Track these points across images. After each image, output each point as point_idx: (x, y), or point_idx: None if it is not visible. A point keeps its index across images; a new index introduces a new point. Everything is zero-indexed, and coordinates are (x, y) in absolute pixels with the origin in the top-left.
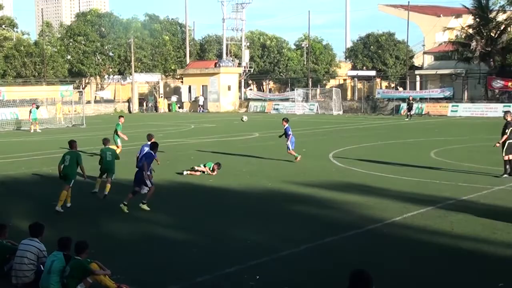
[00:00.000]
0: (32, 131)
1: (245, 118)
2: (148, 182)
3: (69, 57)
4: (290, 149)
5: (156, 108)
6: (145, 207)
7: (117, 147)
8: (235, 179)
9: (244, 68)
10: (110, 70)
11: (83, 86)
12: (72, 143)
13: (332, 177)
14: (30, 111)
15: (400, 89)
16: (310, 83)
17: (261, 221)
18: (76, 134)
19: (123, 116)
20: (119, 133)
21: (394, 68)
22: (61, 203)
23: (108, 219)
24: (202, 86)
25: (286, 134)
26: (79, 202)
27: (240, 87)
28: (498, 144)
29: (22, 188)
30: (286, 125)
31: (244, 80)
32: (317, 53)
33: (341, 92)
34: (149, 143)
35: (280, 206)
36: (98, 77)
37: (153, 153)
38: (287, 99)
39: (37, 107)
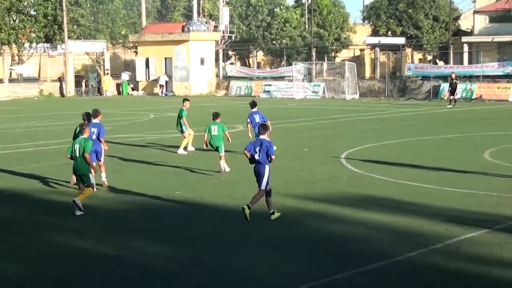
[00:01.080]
0: None
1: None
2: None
3: None
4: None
5: (99, 90)
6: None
7: (184, 137)
8: (212, 190)
9: (223, 33)
10: (33, 35)
11: None
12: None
13: (344, 187)
14: None
15: (440, 63)
16: (313, 54)
17: (252, 251)
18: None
19: (188, 100)
20: (184, 120)
21: (431, 33)
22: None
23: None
24: (165, 59)
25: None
26: None
27: (217, 60)
28: None
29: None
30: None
31: (223, 50)
32: (324, 12)
33: (356, 67)
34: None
35: (273, 230)
36: (14, 45)
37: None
38: (281, 78)
39: None
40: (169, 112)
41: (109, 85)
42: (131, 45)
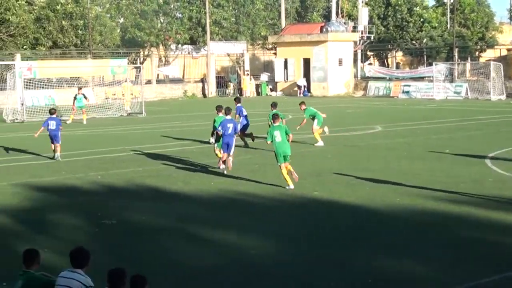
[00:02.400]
0: (69, 121)
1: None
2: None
3: (121, 20)
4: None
5: (240, 91)
6: None
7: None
8: (350, 190)
9: (361, 33)
10: (178, 37)
11: (141, 60)
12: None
13: (490, 189)
14: (75, 97)
15: None
16: (455, 54)
17: (393, 254)
18: (131, 126)
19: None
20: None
21: None
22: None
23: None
24: (303, 60)
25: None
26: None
27: (355, 61)
28: None
29: (62, 200)
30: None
31: (362, 51)
32: (467, 11)
33: (503, 67)
34: (228, 117)
35: (413, 233)
36: (161, 47)
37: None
38: (421, 78)
39: (84, 96)
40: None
41: (248, 85)
42: (270, 46)
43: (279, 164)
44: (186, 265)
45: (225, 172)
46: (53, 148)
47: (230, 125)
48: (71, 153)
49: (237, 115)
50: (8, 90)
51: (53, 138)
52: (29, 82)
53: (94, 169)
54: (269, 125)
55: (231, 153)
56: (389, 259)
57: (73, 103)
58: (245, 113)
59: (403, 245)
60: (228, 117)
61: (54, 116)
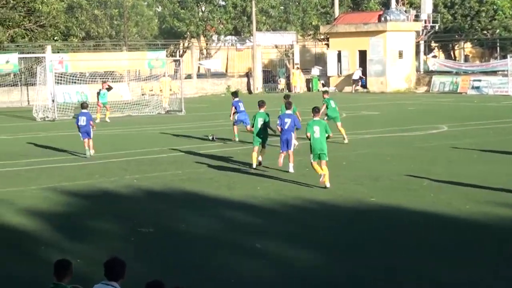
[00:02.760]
0: (98, 120)
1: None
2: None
3: (159, 8)
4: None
5: (288, 86)
6: None
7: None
8: (411, 196)
9: (425, 23)
10: (221, 27)
11: (181, 52)
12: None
13: None
14: (98, 93)
15: None
16: None
17: (474, 265)
18: (170, 125)
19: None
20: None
21: None
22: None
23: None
24: (359, 52)
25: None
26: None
27: (417, 53)
28: None
29: (95, 205)
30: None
31: (425, 42)
32: None
33: None
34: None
35: (488, 242)
36: (202, 38)
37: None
38: (494, 72)
39: (109, 89)
40: (362, 111)
41: (298, 80)
42: (322, 37)
43: (312, 161)
44: (228, 277)
45: (290, 171)
46: (86, 145)
47: (289, 120)
48: (106, 154)
49: (232, 107)
50: (38, 85)
51: (84, 134)
52: (61, 77)
53: (130, 172)
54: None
55: (292, 149)
56: (457, 273)
57: (97, 99)
58: (242, 108)
59: (473, 257)
60: (288, 111)
61: (85, 111)
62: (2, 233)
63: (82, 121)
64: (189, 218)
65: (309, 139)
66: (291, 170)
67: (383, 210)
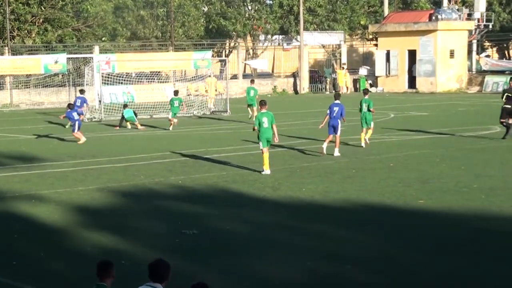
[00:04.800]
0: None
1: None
2: None
3: (205, 8)
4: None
5: (335, 87)
6: None
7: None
8: (462, 199)
9: (478, 22)
10: (268, 27)
11: (227, 52)
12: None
13: None
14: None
15: None
16: None
17: None
18: (215, 126)
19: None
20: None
21: None
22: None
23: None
24: (408, 51)
25: None
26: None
27: (469, 52)
28: None
29: (140, 207)
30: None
31: (477, 41)
32: None
33: None
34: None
35: None
36: (248, 38)
37: None
38: None
39: (125, 106)
40: (411, 111)
41: (344, 81)
42: (370, 36)
43: (261, 148)
44: (273, 282)
45: (335, 155)
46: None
47: (337, 108)
48: (150, 155)
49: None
50: (86, 86)
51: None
52: (107, 77)
53: (174, 173)
54: (360, 109)
55: (338, 134)
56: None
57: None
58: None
59: None
60: (337, 101)
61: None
62: (50, 234)
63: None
64: (233, 220)
65: (257, 130)
66: (336, 154)
67: (431, 213)
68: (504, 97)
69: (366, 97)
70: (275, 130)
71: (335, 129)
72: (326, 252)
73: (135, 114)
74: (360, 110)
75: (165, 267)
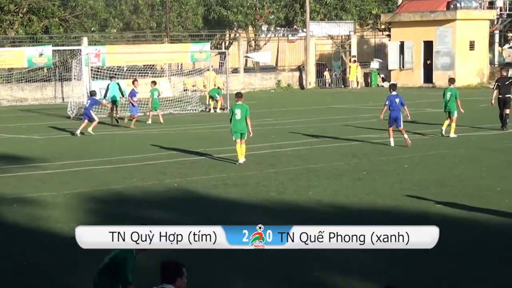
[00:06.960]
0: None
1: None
2: None
3: None
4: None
5: (344, 81)
6: None
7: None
8: (482, 202)
9: (500, 11)
10: (271, 17)
11: (227, 44)
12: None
13: None
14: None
15: None
16: None
17: None
18: (214, 124)
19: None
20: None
21: None
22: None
23: None
24: (424, 43)
25: None
26: None
27: (491, 44)
28: None
29: (132, 212)
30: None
31: (500, 32)
32: None
33: None
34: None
35: None
36: (250, 28)
37: None
38: None
39: (111, 78)
40: (427, 108)
41: (355, 75)
42: (383, 26)
43: (234, 139)
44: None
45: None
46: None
47: (397, 100)
48: (144, 156)
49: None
50: (74, 80)
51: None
52: (97, 71)
53: (169, 175)
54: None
55: (401, 126)
56: None
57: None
58: None
59: None
60: (394, 92)
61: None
62: (32, 242)
63: None
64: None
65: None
66: (408, 141)
67: (449, 217)
68: (495, 86)
69: (452, 86)
70: (249, 123)
71: (397, 121)
72: (331, 263)
73: (122, 92)
74: (445, 99)
75: (173, 268)
